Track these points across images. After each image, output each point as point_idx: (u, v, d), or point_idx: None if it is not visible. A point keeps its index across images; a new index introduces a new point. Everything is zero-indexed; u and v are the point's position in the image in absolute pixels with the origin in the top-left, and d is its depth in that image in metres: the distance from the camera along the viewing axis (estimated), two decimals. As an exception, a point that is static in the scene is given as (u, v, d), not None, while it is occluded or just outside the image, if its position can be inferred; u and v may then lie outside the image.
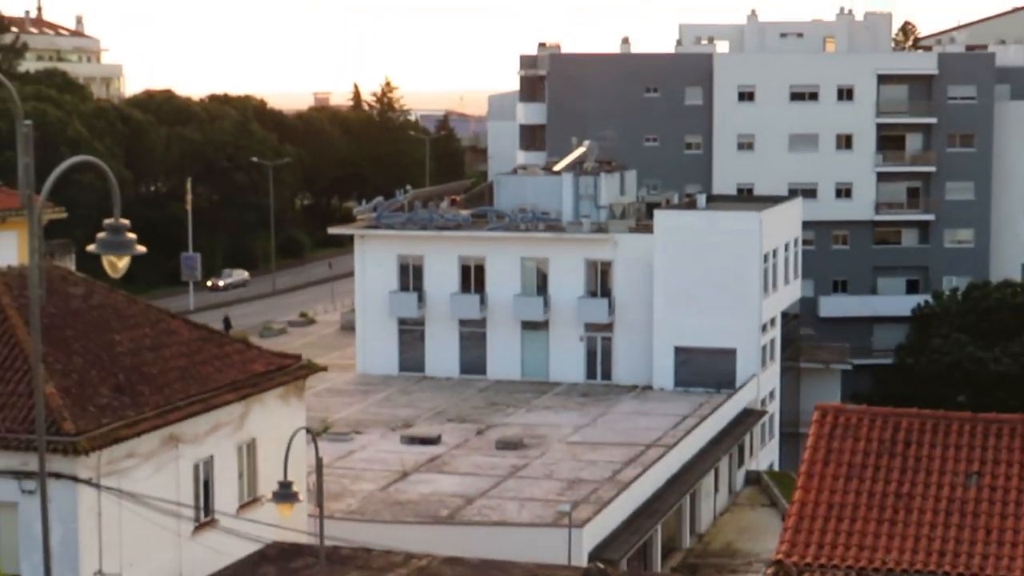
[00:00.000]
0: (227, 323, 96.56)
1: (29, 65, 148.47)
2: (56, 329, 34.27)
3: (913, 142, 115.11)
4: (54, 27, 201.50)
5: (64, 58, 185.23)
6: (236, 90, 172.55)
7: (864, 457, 31.06)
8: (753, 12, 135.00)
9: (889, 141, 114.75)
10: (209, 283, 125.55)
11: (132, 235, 22.72)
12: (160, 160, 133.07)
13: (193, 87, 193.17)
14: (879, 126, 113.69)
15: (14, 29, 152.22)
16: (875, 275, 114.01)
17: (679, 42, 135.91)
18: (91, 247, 22.91)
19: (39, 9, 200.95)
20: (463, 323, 79.71)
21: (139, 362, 36.01)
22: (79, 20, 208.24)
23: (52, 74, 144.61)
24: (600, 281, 78.06)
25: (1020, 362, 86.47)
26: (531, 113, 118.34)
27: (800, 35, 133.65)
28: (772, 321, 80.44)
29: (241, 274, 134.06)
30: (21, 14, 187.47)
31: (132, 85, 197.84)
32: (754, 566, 56.52)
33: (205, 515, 36.22)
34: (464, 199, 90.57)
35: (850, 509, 30.01)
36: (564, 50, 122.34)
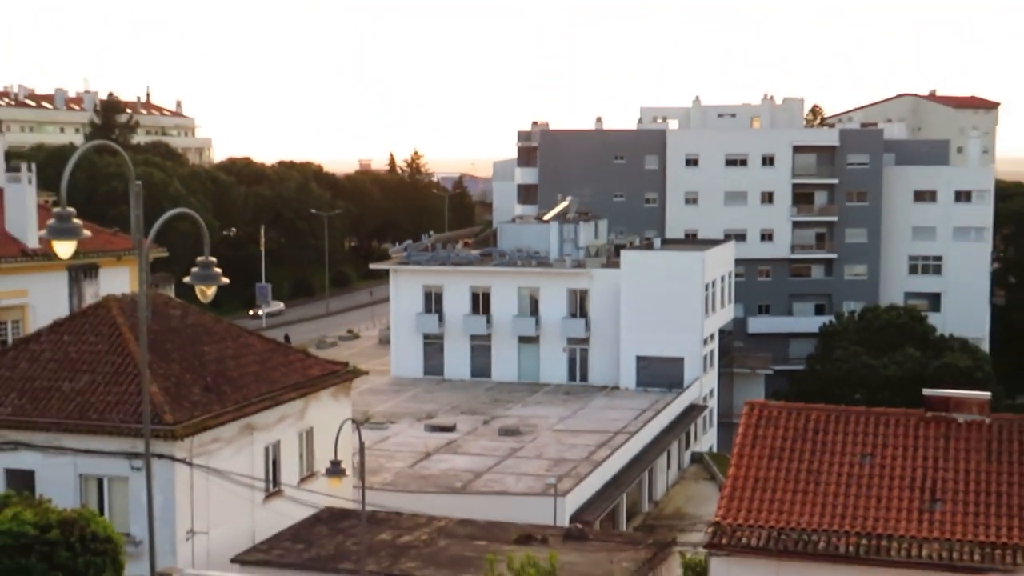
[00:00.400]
0: (287, 339, 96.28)
1: (140, 138, 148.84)
2: (159, 343, 34.28)
3: (820, 198, 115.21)
4: (159, 109, 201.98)
5: (167, 133, 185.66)
6: (299, 157, 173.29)
7: (783, 442, 31.00)
8: (697, 98, 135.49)
9: (801, 197, 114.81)
10: (250, 312, 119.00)
11: (218, 270, 22.73)
12: (240, 212, 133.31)
13: (266, 154, 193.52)
14: (794, 185, 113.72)
15: (128, 111, 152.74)
16: (791, 300, 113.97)
17: (640, 120, 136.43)
18: (187, 279, 22.91)
19: (148, 95, 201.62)
20: (473, 337, 79.65)
21: (223, 368, 36.00)
22: (179, 104, 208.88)
23: (157, 145, 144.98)
24: (579, 305, 78.04)
25: (903, 368, 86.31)
26: (526, 175, 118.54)
27: (733, 115, 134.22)
28: (711, 336, 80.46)
29: (277, 304, 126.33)
30: (134, 99, 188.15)
31: (219, 153, 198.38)
32: (698, 526, 56.34)
33: (273, 486, 36.21)
34: (474, 242, 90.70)
35: (772, 482, 29.94)
36: (552, 127, 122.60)
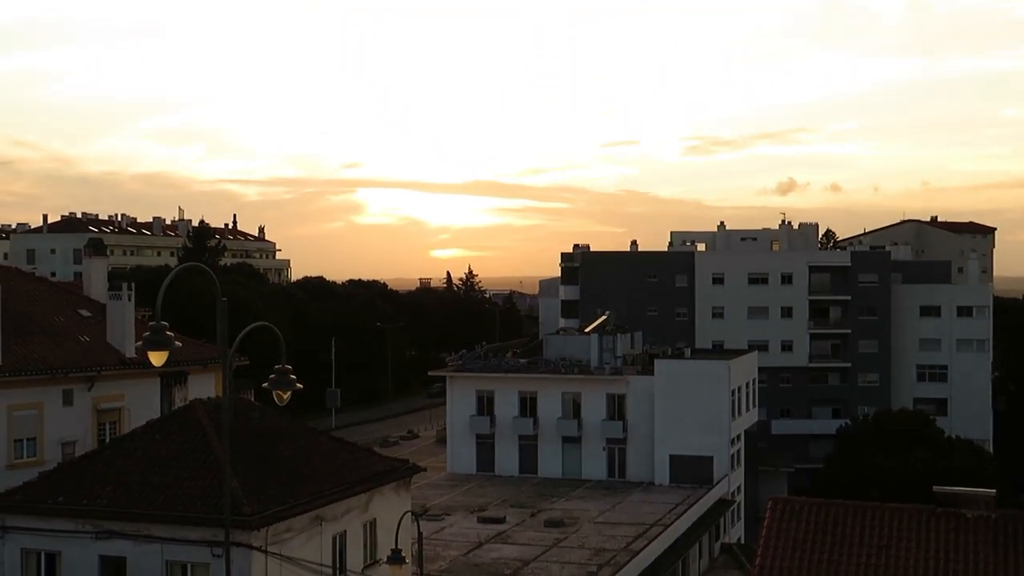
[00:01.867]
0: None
1: (227, 260, 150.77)
2: (239, 442, 34.23)
3: (835, 312, 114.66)
4: (244, 235, 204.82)
5: (250, 255, 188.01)
6: (366, 276, 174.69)
7: (805, 535, 30.36)
8: (722, 223, 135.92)
9: (817, 312, 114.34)
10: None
11: (293, 376, 22.82)
12: (313, 324, 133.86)
13: (337, 274, 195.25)
14: (811, 301, 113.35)
15: (217, 236, 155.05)
16: (810, 405, 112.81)
17: (670, 244, 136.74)
18: (265, 384, 23.01)
19: (235, 223, 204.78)
20: (521, 437, 79.09)
21: (296, 464, 35.92)
22: (261, 230, 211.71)
23: (242, 267, 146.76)
24: (617, 409, 77.42)
25: (914, 468, 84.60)
26: (569, 292, 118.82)
27: (755, 239, 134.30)
28: (738, 437, 79.46)
29: None
30: (222, 226, 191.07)
31: (296, 273, 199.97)
32: (727, 612, 55.12)
33: (340, 573, 35.77)
34: (522, 351, 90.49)
35: (796, 572, 29.26)
36: (592, 249, 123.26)
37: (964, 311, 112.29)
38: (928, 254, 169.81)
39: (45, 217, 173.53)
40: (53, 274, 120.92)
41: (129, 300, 45.71)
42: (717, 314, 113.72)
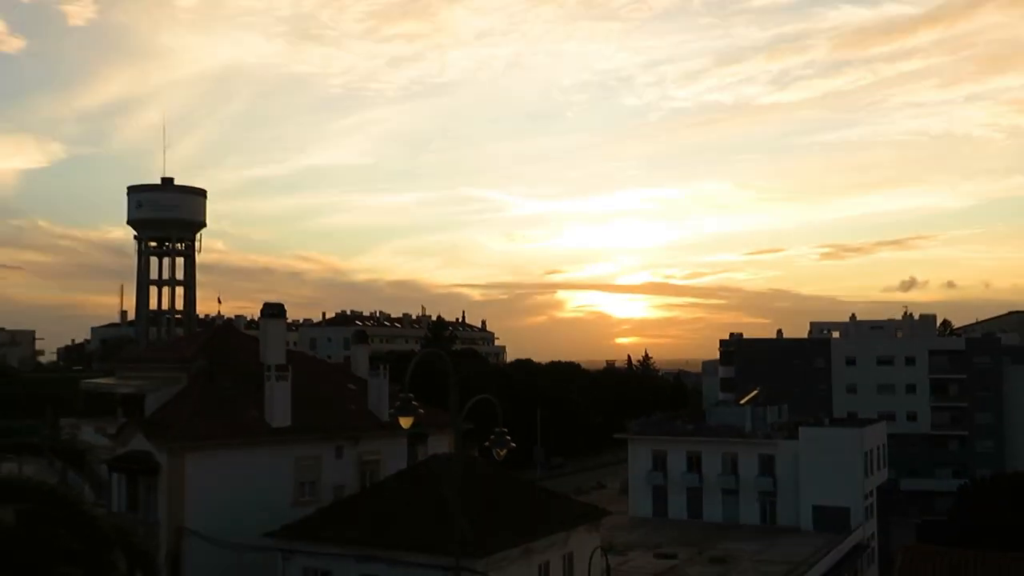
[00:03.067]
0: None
1: (458, 346, 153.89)
2: (467, 488, 34.47)
3: (953, 388, 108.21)
4: (471, 326, 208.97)
5: (475, 343, 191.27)
6: (564, 358, 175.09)
7: (933, 577, 28.32)
8: (853, 315, 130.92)
9: (938, 389, 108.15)
10: None
11: (508, 437, 22.92)
12: (523, 396, 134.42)
13: (541, 356, 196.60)
14: (931, 379, 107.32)
15: (450, 328, 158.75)
16: (933, 467, 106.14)
17: (810, 332, 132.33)
18: (487, 444, 23.19)
19: (463, 317, 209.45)
20: (689, 489, 76.92)
21: (509, 506, 35.85)
22: (483, 323, 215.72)
23: (469, 351, 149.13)
24: (768, 467, 74.51)
25: (1028, 522, 77.79)
26: (727, 372, 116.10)
27: (881, 328, 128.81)
28: (871, 492, 75.20)
29: None
30: (454, 320, 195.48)
31: (510, 356, 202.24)
32: (866, 641, 51.54)
33: (544, 595, 35.29)
34: (689, 419, 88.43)
35: (926, 609, 27.25)
36: (745, 337, 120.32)
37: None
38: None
39: (323, 314, 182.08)
40: (329, 357, 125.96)
41: (385, 377, 47.04)
42: (851, 390, 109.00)
